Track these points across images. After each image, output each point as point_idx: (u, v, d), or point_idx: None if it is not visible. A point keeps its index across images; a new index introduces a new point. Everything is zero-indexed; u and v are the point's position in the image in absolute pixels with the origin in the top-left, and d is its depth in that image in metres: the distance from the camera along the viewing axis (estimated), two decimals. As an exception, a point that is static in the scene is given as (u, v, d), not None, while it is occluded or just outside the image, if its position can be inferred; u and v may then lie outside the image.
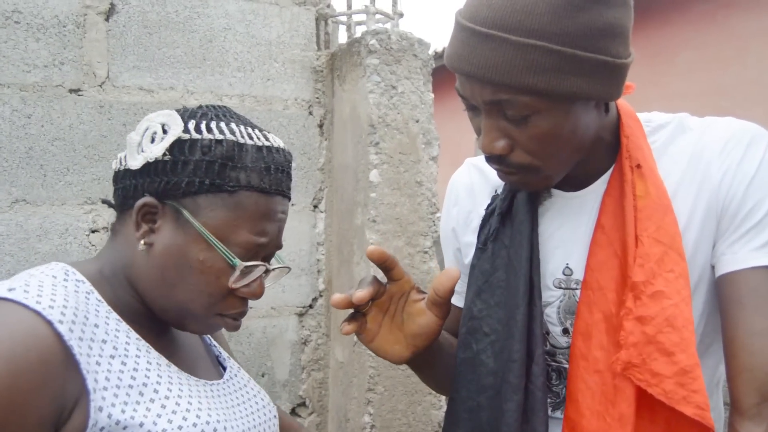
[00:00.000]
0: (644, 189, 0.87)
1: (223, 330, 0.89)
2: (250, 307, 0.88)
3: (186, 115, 0.82)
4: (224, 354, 0.99)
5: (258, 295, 0.84)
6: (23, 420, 0.66)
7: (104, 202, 0.91)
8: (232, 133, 0.80)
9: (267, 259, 0.85)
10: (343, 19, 2.37)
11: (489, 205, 1.02)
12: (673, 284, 0.83)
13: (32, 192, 1.76)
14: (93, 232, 1.84)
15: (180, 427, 0.75)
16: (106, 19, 1.84)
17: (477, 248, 1.01)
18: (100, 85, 1.84)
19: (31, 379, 0.66)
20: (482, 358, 0.95)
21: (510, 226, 0.97)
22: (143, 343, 0.79)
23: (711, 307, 0.90)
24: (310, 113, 2.15)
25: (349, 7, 2.38)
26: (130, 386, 0.74)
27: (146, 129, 0.81)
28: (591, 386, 0.87)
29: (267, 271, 0.85)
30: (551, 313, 0.95)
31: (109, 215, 1.83)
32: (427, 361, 1.01)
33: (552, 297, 0.95)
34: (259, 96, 2.06)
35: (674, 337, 0.81)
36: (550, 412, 0.95)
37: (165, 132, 0.79)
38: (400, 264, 0.90)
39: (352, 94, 2.03)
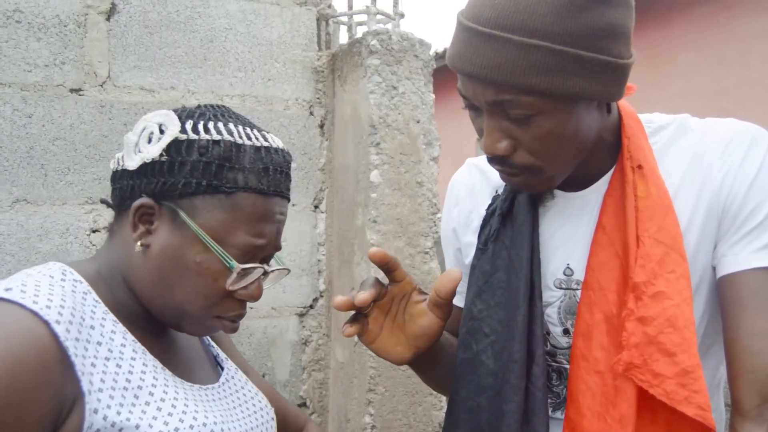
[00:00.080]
0: (645, 189, 0.87)
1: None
2: (251, 308, 0.88)
3: (184, 115, 0.81)
4: (222, 354, 0.98)
5: (256, 297, 0.83)
6: (22, 420, 0.65)
7: (103, 202, 0.90)
8: (230, 133, 0.79)
9: (266, 260, 0.85)
10: (344, 19, 2.37)
11: (490, 206, 1.02)
12: (674, 285, 0.83)
13: (33, 192, 1.76)
14: (94, 232, 1.84)
15: (177, 429, 0.75)
16: (107, 19, 1.84)
17: (477, 249, 1.01)
18: (101, 85, 1.84)
19: (29, 378, 0.66)
20: (482, 359, 0.95)
21: (511, 226, 0.97)
22: (139, 346, 0.79)
23: (712, 308, 0.90)
24: (311, 113, 2.15)
25: (350, 7, 2.38)
26: (125, 388, 0.74)
27: (143, 129, 0.80)
28: (591, 387, 0.87)
29: (265, 273, 0.84)
30: (552, 314, 0.95)
31: (109, 215, 1.83)
32: (429, 362, 1.01)
33: (552, 297, 0.95)
34: (260, 96, 2.06)
35: (675, 338, 0.80)
36: (550, 412, 0.94)
37: (162, 132, 0.79)
38: (401, 265, 0.90)
39: (353, 94, 2.03)
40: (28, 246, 1.76)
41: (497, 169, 0.90)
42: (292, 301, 2.13)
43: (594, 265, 0.90)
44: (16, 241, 1.74)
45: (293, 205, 2.10)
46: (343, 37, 2.43)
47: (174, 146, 0.78)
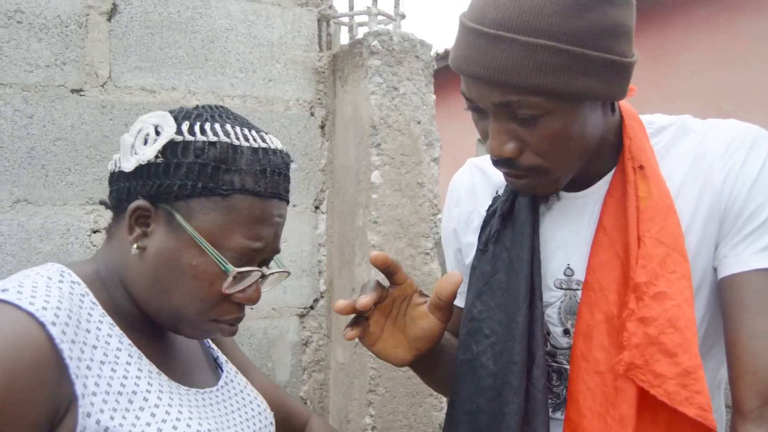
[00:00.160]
0: (647, 190, 0.87)
1: None
2: (251, 308, 0.87)
3: (180, 116, 0.80)
4: (222, 357, 0.98)
5: (254, 300, 0.82)
6: (19, 420, 0.65)
7: (102, 203, 0.90)
8: (227, 134, 0.78)
9: (264, 263, 0.83)
10: (345, 20, 2.37)
11: (490, 206, 1.02)
12: (675, 285, 0.83)
13: (34, 192, 1.76)
14: (95, 232, 1.84)
15: None
16: (109, 20, 1.84)
17: (478, 249, 1.00)
18: (102, 86, 1.84)
19: (25, 379, 0.65)
20: (482, 360, 0.94)
21: (511, 227, 0.97)
22: (135, 350, 0.78)
23: (713, 309, 0.90)
24: (312, 114, 2.15)
25: (351, 8, 2.38)
26: (120, 393, 0.73)
27: (139, 130, 0.79)
28: (592, 387, 0.87)
29: (264, 276, 0.83)
30: (552, 314, 0.95)
31: (110, 216, 1.83)
32: (430, 363, 1.01)
33: (553, 297, 0.95)
34: (261, 97, 2.06)
35: (677, 338, 0.80)
36: (550, 413, 0.94)
37: (158, 134, 0.78)
38: (402, 268, 0.90)
39: (354, 95, 2.03)
40: (29, 246, 1.76)
41: (503, 172, 0.89)
42: (293, 301, 2.13)
43: (594, 265, 0.89)
44: (16, 242, 1.74)
45: (294, 206, 2.10)
46: (344, 38, 2.43)
47: (170, 148, 0.77)
